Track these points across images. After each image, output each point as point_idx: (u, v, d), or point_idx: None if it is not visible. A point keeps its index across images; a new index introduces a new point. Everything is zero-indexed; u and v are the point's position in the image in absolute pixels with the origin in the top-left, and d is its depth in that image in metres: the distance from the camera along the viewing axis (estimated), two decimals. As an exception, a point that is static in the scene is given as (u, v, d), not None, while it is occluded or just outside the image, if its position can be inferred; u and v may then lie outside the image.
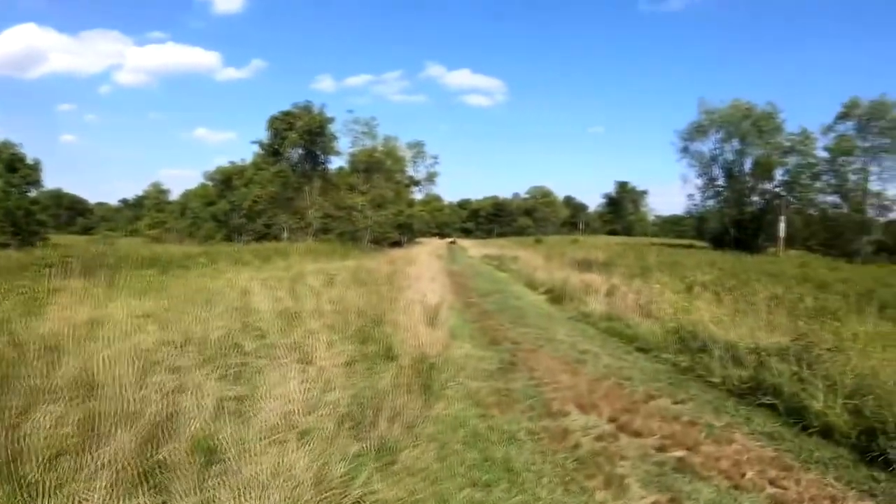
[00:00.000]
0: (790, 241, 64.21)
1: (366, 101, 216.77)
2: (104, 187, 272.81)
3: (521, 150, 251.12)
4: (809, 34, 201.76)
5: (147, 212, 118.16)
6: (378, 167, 72.97)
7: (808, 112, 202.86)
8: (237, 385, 8.31)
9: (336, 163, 77.83)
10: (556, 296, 22.33)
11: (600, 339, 14.75)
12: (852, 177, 68.62)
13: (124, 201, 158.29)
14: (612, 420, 8.49)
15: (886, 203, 68.59)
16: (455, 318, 17.02)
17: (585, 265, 32.30)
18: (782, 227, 52.82)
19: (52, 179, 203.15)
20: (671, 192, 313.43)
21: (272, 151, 72.61)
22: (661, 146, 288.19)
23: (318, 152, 72.23)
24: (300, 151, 73.43)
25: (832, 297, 19.29)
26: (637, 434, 8.00)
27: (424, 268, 31.93)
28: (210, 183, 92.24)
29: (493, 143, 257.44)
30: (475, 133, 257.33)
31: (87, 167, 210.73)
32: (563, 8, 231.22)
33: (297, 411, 7.01)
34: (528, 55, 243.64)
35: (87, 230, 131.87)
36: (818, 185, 71.53)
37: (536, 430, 7.98)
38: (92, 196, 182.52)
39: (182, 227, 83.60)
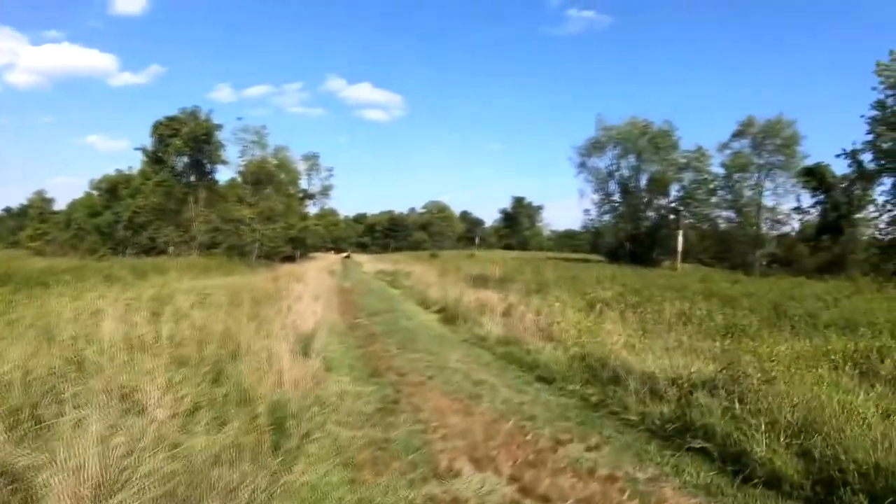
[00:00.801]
0: (685, 255, 64.53)
1: (265, 113, 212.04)
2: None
3: (419, 165, 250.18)
4: (706, 57, 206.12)
5: (30, 222, 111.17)
6: (269, 178, 70.15)
7: (705, 131, 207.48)
8: (33, 450, 5.93)
9: (225, 173, 74.77)
10: (450, 315, 20.71)
11: (497, 366, 13.06)
12: (747, 192, 70.00)
13: (7, 210, 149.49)
14: (513, 479, 6.85)
15: (780, 217, 70.42)
16: (336, 343, 15.24)
17: (481, 281, 30.97)
18: (680, 241, 52.89)
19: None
20: (567, 207, 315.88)
21: (156, 159, 68.28)
22: (558, 163, 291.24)
23: (205, 161, 68.52)
24: (185, 160, 69.66)
25: (740, 313, 18.49)
26: (545, 500, 6.37)
27: (313, 284, 30.25)
28: (95, 192, 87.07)
29: (391, 158, 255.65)
30: (373, 147, 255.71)
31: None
32: (466, 27, 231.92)
33: (90, 496, 5.01)
34: (428, 72, 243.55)
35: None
36: (714, 200, 72.87)
37: (418, 501, 6.17)
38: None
39: (65, 239, 78.31)
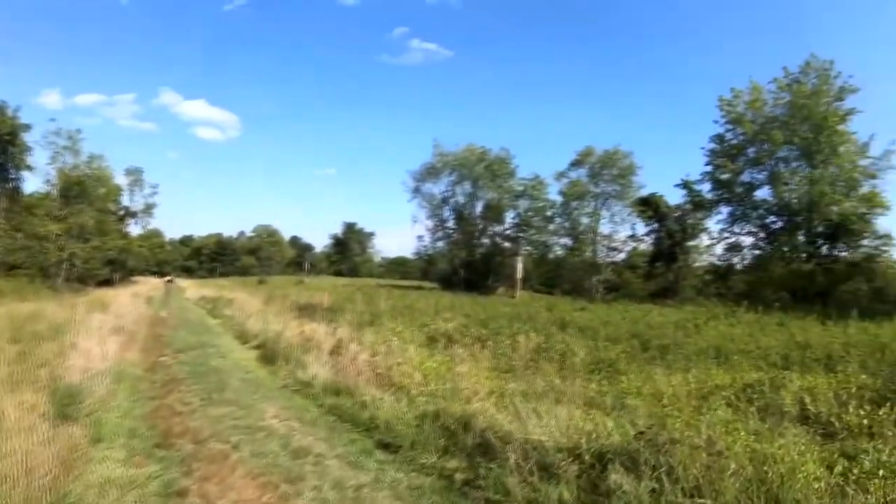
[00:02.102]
0: (522, 282, 63.97)
1: (94, 123, 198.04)
2: None
3: (251, 187, 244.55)
4: (547, 93, 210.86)
5: None
6: (82, 191, 63.74)
7: (545, 162, 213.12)
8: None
9: (33, 182, 68.06)
10: (270, 353, 17.42)
11: (325, 426, 10.18)
12: (584, 220, 71.11)
13: None
14: None
15: (615, 245, 71.97)
16: (123, 395, 11.87)
17: (308, 311, 28.28)
18: (519, 267, 51.83)
19: None
20: (399, 234, 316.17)
21: None
22: (392, 190, 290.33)
23: (9, 166, 60.18)
24: None
25: (601, 344, 16.86)
26: None
27: (122, 313, 26.46)
28: None
29: (222, 179, 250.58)
30: (205, 167, 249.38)
31: None
32: (306, 51, 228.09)
33: None
34: (266, 93, 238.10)
35: None
36: (552, 227, 73.51)
37: None
38: None
39: None
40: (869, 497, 5.89)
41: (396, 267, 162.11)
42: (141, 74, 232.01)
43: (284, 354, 16.03)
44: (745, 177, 58.07)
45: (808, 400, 10.06)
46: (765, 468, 6.19)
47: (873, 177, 52.66)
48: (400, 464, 8.22)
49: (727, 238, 60.33)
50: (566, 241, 72.37)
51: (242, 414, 10.69)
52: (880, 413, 8.65)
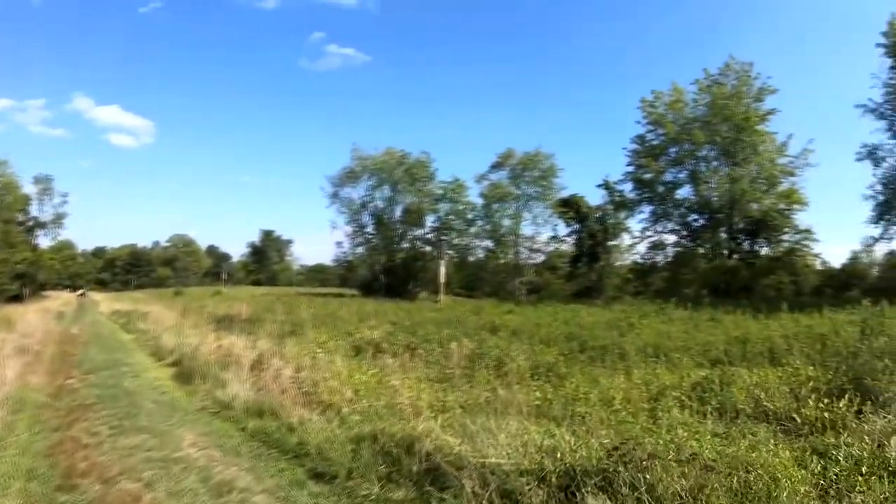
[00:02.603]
0: (444, 287, 63.29)
1: (2, 129, 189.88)
2: None
3: (165, 195, 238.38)
4: (467, 96, 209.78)
5: None
6: None
7: (468, 167, 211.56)
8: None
9: None
10: (186, 370, 16.15)
11: (250, 454, 9.12)
12: (506, 222, 70.16)
13: None
14: None
15: (538, 246, 71.93)
16: (23, 425, 10.71)
17: (227, 322, 27.02)
18: (443, 272, 50.74)
19: None
20: (317, 241, 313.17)
21: None
22: (310, 197, 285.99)
23: None
24: None
25: (537, 347, 16.22)
26: None
27: (29, 330, 25.04)
28: None
29: (136, 188, 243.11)
30: (117, 175, 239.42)
31: None
32: (221, 56, 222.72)
33: None
34: (181, 99, 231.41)
35: None
36: (474, 230, 72.27)
37: None
38: None
39: None
40: (863, 497, 5.57)
41: (315, 274, 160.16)
42: (52, 79, 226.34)
43: (202, 372, 14.87)
44: (667, 176, 59.40)
45: (762, 396, 9.81)
46: (749, 476, 5.70)
47: (791, 174, 54.77)
48: (338, 496, 7.28)
49: (650, 237, 62.01)
50: (488, 243, 71.93)
51: (156, 444, 9.58)
52: (840, 406, 8.47)
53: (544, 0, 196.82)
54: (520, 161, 68.95)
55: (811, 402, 8.89)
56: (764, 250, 55.85)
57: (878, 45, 46.44)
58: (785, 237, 54.51)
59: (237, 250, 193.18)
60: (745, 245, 56.01)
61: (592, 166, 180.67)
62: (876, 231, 48.98)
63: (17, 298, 66.08)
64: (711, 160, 57.05)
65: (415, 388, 10.99)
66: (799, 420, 8.72)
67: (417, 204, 74.13)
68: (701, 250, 58.09)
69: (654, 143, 59.14)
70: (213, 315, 31.17)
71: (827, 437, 7.49)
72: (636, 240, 64.34)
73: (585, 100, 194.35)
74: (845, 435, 7.31)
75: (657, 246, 61.15)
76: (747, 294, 45.33)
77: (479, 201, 71.61)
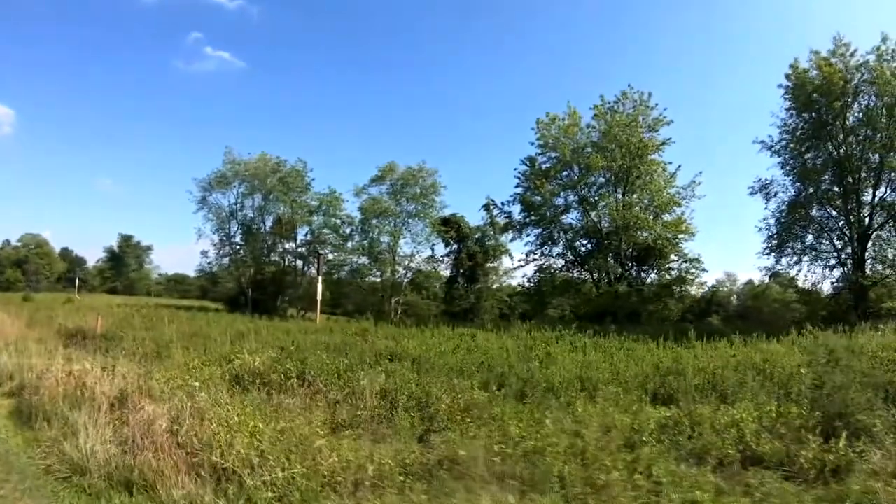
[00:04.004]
0: (312, 302, 60.26)
1: None
2: None
3: (19, 191, 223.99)
4: (347, 109, 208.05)
5: None
6: None
7: (342, 181, 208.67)
8: None
9: None
10: (27, 406, 12.72)
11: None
12: (385, 239, 66.83)
13: None
14: None
15: (415, 265, 68.19)
16: None
17: (79, 338, 23.66)
18: (320, 289, 47.42)
19: None
20: (176, 251, 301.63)
21: None
22: (171, 203, 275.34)
23: None
24: None
25: (455, 382, 13.68)
26: None
27: None
28: None
29: None
30: None
31: None
32: (95, 49, 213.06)
33: None
34: (46, 90, 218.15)
35: None
36: (350, 245, 68.67)
37: None
38: None
39: None
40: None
41: (175, 285, 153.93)
42: None
43: (46, 410, 11.66)
44: (557, 200, 58.67)
45: (749, 438, 9.20)
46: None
47: (678, 204, 55.22)
48: None
49: (536, 259, 60.65)
50: (364, 260, 68.58)
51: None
52: (839, 446, 8.29)
53: (429, 7, 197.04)
54: (401, 176, 66.48)
55: (812, 444, 8.48)
56: (651, 277, 56.46)
57: (780, 85, 47.35)
58: (673, 265, 55.27)
59: (94, 255, 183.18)
60: (633, 272, 56.02)
61: (471, 186, 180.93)
62: (768, 262, 50.10)
63: None
64: (602, 186, 56.77)
65: (331, 443, 8.49)
66: (805, 465, 8.19)
67: (290, 215, 70.06)
68: (587, 276, 57.87)
69: (546, 165, 58.35)
70: (64, 328, 27.64)
71: (850, 484, 7.16)
72: (521, 263, 62.93)
73: (468, 116, 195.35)
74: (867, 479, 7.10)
75: (543, 269, 59.86)
76: (633, 320, 45.46)
77: (357, 215, 68.81)
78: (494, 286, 69.91)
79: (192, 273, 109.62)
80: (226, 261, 72.97)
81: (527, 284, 63.37)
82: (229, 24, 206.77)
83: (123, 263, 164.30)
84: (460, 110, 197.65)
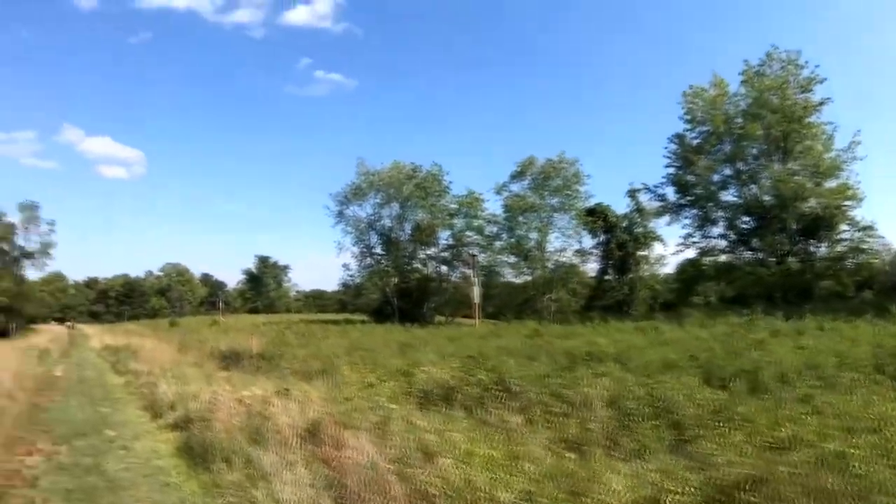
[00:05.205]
0: (460, 307, 58.26)
1: None
2: None
3: (157, 225, 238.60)
4: (463, 113, 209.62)
5: None
6: None
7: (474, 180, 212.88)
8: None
9: None
10: (197, 442, 10.68)
11: None
12: (532, 236, 64.79)
13: None
14: None
15: (565, 260, 65.59)
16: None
17: (235, 359, 22.36)
18: (477, 292, 45.43)
19: None
20: (308, 267, 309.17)
21: None
22: (305, 221, 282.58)
23: None
24: None
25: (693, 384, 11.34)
26: None
27: None
28: None
29: (128, 218, 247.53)
30: (110, 206, 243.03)
31: None
32: (212, 84, 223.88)
33: None
34: (171, 129, 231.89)
35: None
36: (499, 244, 66.68)
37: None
38: None
39: None
40: None
41: (313, 300, 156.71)
42: (42, 110, 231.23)
43: (222, 446, 9.74)
44: (713, 177, 55.11)
45: None
46: None
47: (841, 169, 50.65)
48: None
49: (697, 242, 57.18)
50: (512, 259, 66.43)
51: None
52: None
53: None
54: (542, 169, 64.06)
55: None
56: (821, 251, 51.56)
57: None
58: (844, 235, 50.32)
59: (232, 277, 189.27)
60: (801, 246, 51.67)
61: (607, 174, 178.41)
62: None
63: (1, 334, 61.29)
64: (760, 157, 52.80)
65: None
66: None
67: (430, 220, 69.68)
68: (752, 255, 53.85)
69: (696, 140, 54.65)
70: (217, 350, 26.64)
71: None
72: (679, 248, 59.29)
73: (597, 105, 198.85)
74: None
75: (705, 252, 56.19)
76: (804, 299, 42.11)
77: (501, 214, 67.07)
78: (647, 275, 66.86)
79: (329, 287, 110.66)
80: (368, 271, 72.09)
81: (677, 271, 61.26)
82: (337, 47, 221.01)
83: (262, 283, 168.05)
84: (586, 100, 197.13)
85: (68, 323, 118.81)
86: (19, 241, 75.77)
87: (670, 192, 58.41)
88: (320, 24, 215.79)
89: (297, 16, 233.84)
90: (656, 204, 60.39)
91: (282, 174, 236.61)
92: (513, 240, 65.20)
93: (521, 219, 64.26)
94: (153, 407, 16.13)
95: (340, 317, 75.82)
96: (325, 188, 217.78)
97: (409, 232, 70.83)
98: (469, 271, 59.76)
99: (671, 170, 57.54)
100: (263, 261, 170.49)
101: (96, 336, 65.09)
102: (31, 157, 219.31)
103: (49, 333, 74.41)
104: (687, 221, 57.30)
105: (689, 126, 55.17)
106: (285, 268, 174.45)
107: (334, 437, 8.80)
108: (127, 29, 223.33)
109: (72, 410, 16.72)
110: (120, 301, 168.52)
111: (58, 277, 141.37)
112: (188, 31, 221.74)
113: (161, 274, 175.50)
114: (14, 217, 74.07)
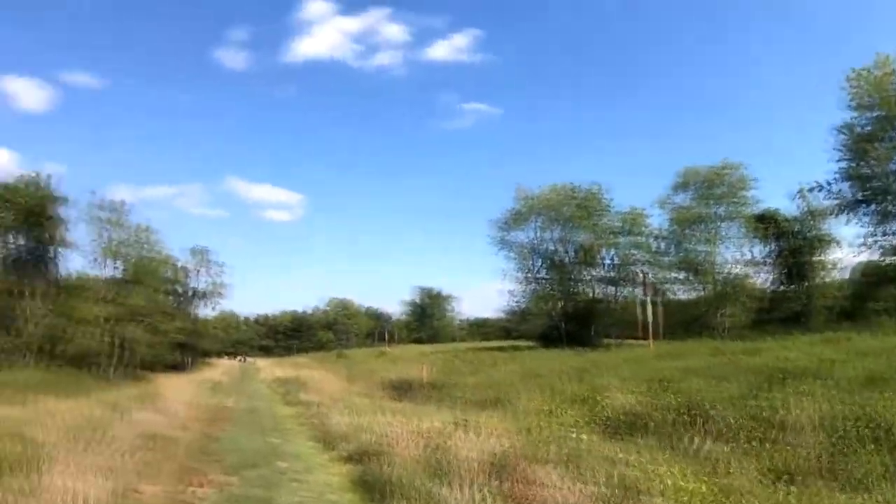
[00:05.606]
0: (630, 328, 55.75)
1: (165, 215, 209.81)
2: None
3: (322, 262, 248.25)
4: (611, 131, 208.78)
5: None
6: (140, 269, 57.27)
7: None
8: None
9: (77, 261, 62.82)
10: (374, 476, 10.15)
11: None
12: (700, 248, 61.11)
13: None
14: None
15: (737, 271, 61.58)
16: None
17: (404, 389, 21.75)
18: (650, 310, 43.37)
19: None
20: (473, 295, 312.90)
21: None
22: (460, 251, 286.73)
23: (46, 244, 52.33)
24: (21, 242, 51.50)
25: None
26: None
27: (173, 407, 20.53)
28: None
29: (294, 257, 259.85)
30: (275, 247, 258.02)
31: None
32: (362, 126, 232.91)
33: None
34: (327, 171, 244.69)
35: None
36: (667, 260, 63.44)
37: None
38: None
39: None
40: None
41: (477, 328, 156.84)
42: (206, 164, 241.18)
43: (400, 481, 8.91)
44: (890, 166, 47.97)
45: None
46: None
47: None
48: None
49: (878, 241, 49.21)
50: (681, 275, 63.29)
51: None
52: None
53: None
54: (705, 177, 60.95)
55: None
56: None
57: None
58: None
59: (395, 309, 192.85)
60: None
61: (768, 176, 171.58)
62: None
63: (177, 367, 63.97)
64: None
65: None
66: None
67: (593, 240, 66.89)
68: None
69: (868, 129, 49.11)
70: (386, 380, 26.16)
71: None
72: (857, 249, 52.63)
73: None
74: None
75: (888, 252, 49.38)
76: None
77: (665, 228, 64.29)
78: (824, 282, 60.34)
79: (491, 315, 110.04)
80: (532, 296, 70.94)
81: (852, 275, 55.95)
82: (478, 78, 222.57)
83: (426, 314, 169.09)
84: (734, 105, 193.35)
85: (240, 357, 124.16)
86: (193, 283, 78.85)
87: (845, 189, 52.33)
88: (459, 57, 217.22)
89: (436, 52, 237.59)
90: (829, 203, 54.50)
91: (436, 206, 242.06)
92: (680, 254, 62.54)
93: (687, 231, 61.56)
94: (325, 438, 15.77)
95: (506, 343, 74.58)
96: (481, 216, 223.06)
97: (573, 253, 68.40)
98: (636, 290, 57.77)
99: (843, 163, 50.75)
100: (427, 291, 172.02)
101: (266, 368, 66.89)
102: (199, 206, 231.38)
103: (222, 367, 77.75)
104: (866, 219, 51.31)
105: (855, 113, 49.29)
106: (448, 297, 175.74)
107: (523, 472, 7.89)
108: (275, 83, 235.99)
109: (243, 441, 16.59)
110: (288, 335, 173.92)
111: (230, 315, 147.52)
112: (334, 79, 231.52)
113: (327, 308, 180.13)
114: (188, 261, 77.36)
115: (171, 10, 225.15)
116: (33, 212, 49.78)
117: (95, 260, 54.31)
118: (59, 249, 53.30)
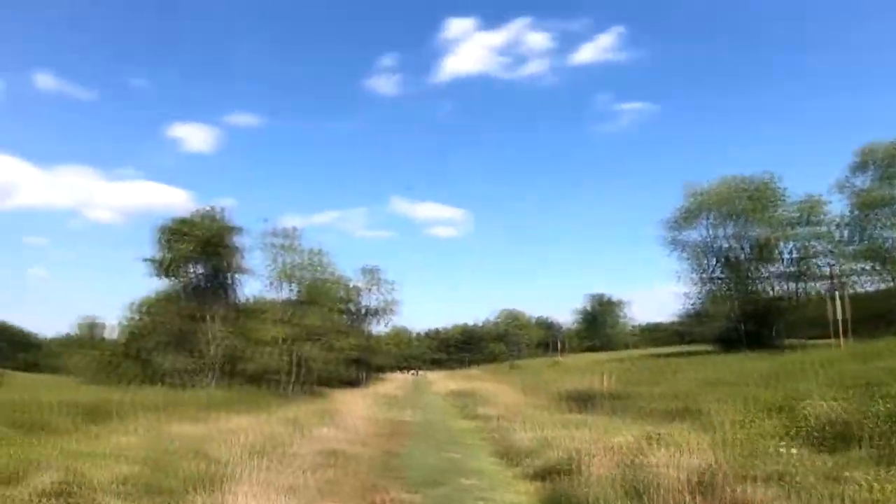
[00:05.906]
0: (814, 326, 51.85)
1: (333, 238, 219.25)
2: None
3: (489, 274, 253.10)
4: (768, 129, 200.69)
5: (79, 348, 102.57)
6: (314, 291, 59.39)
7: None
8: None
9: (253, 286, 66.18)
10: (565, 496, 9.72)
11: None
12: (887, 234, 55.56)
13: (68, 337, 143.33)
14: None
15: None
16: None
17: (583, 401, 20.97)
18: (839, 307, 40.08)
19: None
20: (643, 300, 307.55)
21: (165, 271, 54.84)
22: (628, 255, 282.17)
23: (225, 271, 55.90)
24: (200, 270, 55.73)
25: None
26: None
27: (351, 423, 20.67)
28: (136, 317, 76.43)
29: (462, 272, 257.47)
30: (443, 263, 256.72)
31: (57, 301, 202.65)
32: (519, 135, 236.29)
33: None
34: (489, 184, 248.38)
35: (31, 365, 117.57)
36: (851, 249, 58.03)
37: None
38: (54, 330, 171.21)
39: (101, 366, 65.79)
40: None
41: (650, 334, 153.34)
42: (371, 187, 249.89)
43: (598, 502, 8.30)
44: None
45: None
46: None
47: None
48: None
49: None
50: (867, 265, 57.50)
51: None
52: None
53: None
54: (885, 154, 55.47)
55: None
56: None
57: None
58: None
59: (565, 318, 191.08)
60: None
61: None
62: None
63: (352, 383, 65.57)
64: None
65: None
66: None
67: (768, 234, 63.08)
68: None
69: None
70: (562, 391, 25.51)
71: None
72: None
73: None
74: None
75: None
76: None
77: (846, 215, 59.35)
78: None
79: (662, 318, 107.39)
80: (709, 298, 68.16)
81: None
82: (630, 76, 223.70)
83: (598, 322, 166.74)
84: None
85: (412, 371, 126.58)
86: (365, 301, 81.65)
87: None
88: (606, 57, 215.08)
89: (583, 55, 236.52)
90: None
91: (599, 210, 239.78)
92: (865, 242, 57.03)
93: (871, 216, 56.09)
94: (507, 453, 15.46)
95: (682, 349, 72.03)
96: (646, 217, 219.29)
97: (748, 250, 65.10)
98: (817, 285, 54.10)
99: None
100: (598, 299, 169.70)
101: (439, 381, 67.41)
102: (363, 229, 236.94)
103: (395, 381, 79.51)
104: None
105: None
106: (619, 303, 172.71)
107: (732, 492, 7.17)
108: (427, 103, 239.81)
109: (423, 456, 16.51)
110: (459, 348, 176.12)
111: (402, 330, 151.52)
112: (484, 93, 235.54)
113: (497, 320, 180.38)
114: (359, 281, 79.60)
115: (320, 46, 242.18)
116: (211, 242, 53.38)
117: (271, 284, 57.39)
118: (237, 276, 57.35)
